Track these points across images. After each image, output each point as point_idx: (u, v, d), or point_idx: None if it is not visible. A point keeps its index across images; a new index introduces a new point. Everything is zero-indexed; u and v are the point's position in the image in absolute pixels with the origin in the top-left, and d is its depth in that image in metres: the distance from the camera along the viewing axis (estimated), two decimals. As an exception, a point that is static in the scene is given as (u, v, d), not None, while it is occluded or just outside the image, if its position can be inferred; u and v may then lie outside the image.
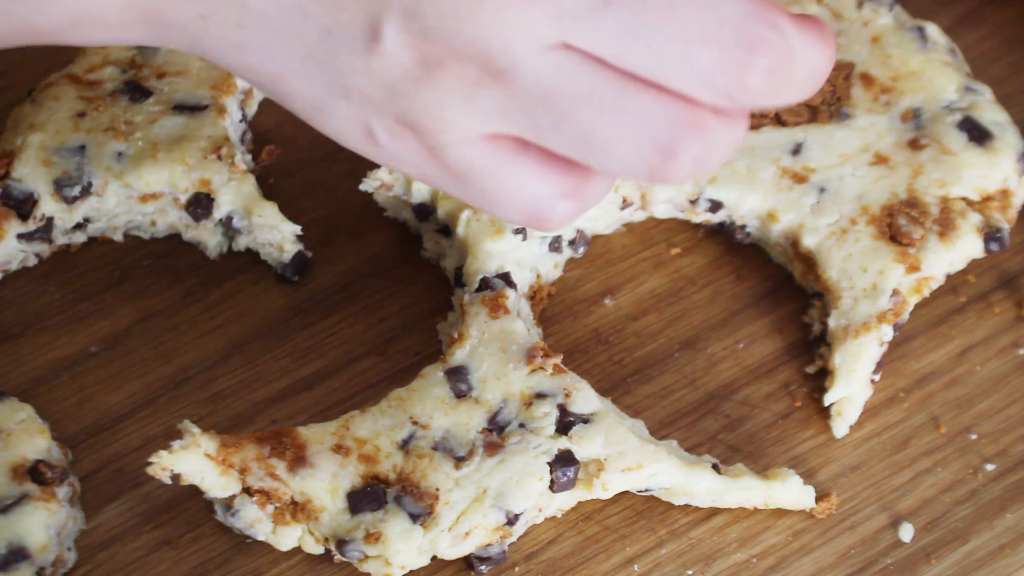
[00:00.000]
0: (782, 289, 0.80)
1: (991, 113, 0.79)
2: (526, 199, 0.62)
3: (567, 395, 0.72)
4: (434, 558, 0.70)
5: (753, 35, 0.57)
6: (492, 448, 0.70)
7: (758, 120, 0.79)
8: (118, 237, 0.80)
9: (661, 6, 0.57)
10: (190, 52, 0.63)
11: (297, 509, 0.70)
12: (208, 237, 0.79)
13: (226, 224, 0.79)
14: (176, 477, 0.68)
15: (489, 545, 0.70)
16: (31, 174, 0.77)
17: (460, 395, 0.72)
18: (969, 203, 0.78)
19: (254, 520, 0.70)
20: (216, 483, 0.69)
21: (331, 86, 0.61)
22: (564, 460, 0.70)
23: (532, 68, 0.58)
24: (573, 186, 0.61)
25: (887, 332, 0.75)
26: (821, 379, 0.76)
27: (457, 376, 0.72)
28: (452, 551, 0.70)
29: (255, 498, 0.69)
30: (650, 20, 0.57)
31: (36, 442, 0.71)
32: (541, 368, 0.72)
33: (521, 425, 0.71)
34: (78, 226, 0.79)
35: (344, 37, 0.60)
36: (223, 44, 0.62)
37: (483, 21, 0.58)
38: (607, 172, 0.60)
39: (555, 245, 0.78)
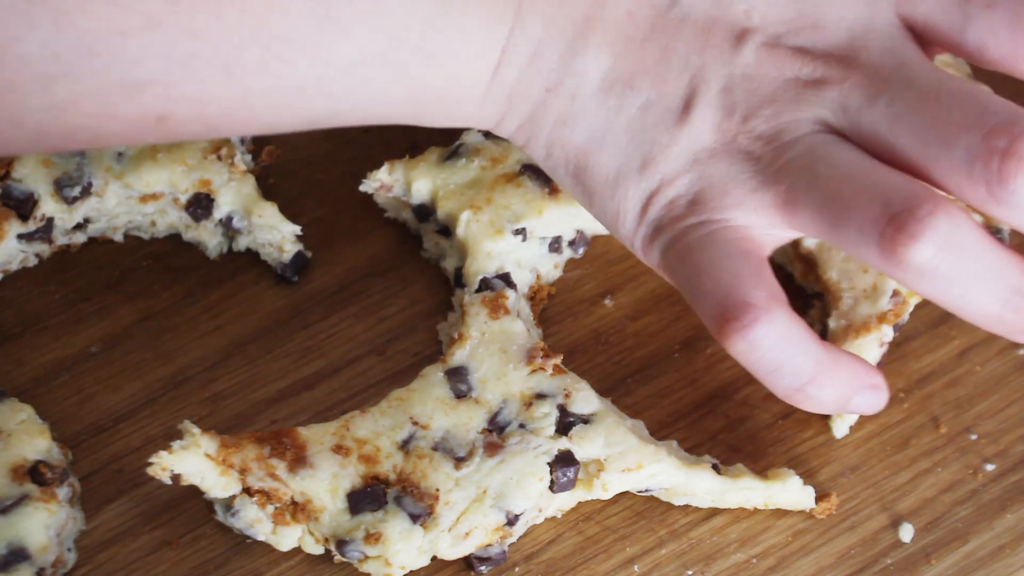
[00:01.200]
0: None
1: (991, 113, 0.79)
2: (734, 289, 0.64)
3: (567, 395, 0.72)
4: (434, 558, 0.70)
5: (1016, 127, 0.62)
6: (492, 448, 0.70)
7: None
8: (118, 237, 0.80)
9: (928, 95, 0.63)
10: (512, 133, 0.68)
11: (297, 509, 0.70)
12: (208, 237, 0.79)
13: (226, 224, 0.79)
14: (176, 477, 0.68)
15: (489, 545, 0.70)
16: (31, 174, 0.77)
17: (460, 395, 0.72)
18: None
19: (254, 520, 0.70)
20: (216, 483, 0.69)
21: (633, 157, 0.66)
22: (564, 460, 0.70)
23: (805, 144, 0.65)
24: (767, 295, 0.64)
25: (887, 333, 0.75)
26: (821, 379, 0.76)
27: (457, 376, 0.72)
28: (452, 551, 0.70)
29: (255, 498, 0.69)
30: (917, 106, 0.63)
31: (36, 443, 0.71)
32: (541, 368, 0.72)
33: (521, 425, 0.71)
34: (78, 226, 0.79)
35: (659, 109, 0.66)
36: (552, 117, 0.67)
37: (783, 107, 0.65)
38: (845, 243, 0.63)
39: (555, 246, 0.78)
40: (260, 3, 0.61)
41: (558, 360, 0.73)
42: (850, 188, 0.63)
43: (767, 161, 0.65)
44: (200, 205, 0.78)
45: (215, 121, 0.64)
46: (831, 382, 0.65)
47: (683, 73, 0.66)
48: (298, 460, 0.70)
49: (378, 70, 0.64)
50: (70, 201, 0.77)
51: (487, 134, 0.79)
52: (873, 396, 0.66)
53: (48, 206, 0.77)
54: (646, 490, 0.72)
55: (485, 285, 0.75)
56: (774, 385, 0.65)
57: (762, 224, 0.65)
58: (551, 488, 0.71)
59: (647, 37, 0.66)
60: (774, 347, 0.63)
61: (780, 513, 0.73)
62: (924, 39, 0.67)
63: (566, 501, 0.72)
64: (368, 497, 0.69)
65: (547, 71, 0.66)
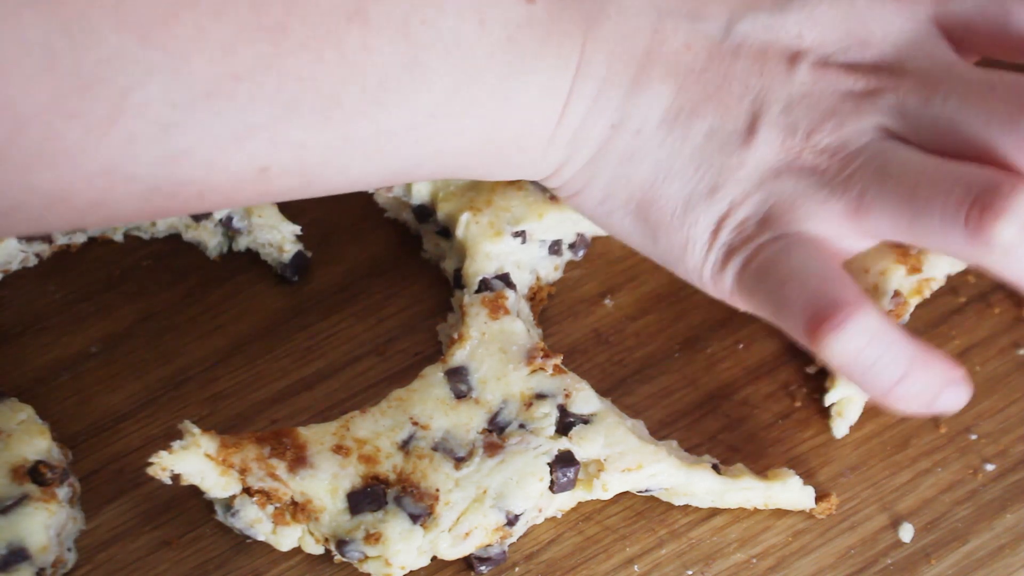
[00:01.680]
0: (782, 289, 0.80)
1: (991, 114, 0.79)
2: (824, 293, 0.65)
3: (567, 395, 0.72)
4: (434, 558, 0.70)
5: None
6: (492, 448, 0.70)
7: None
8: (118, 237, 0.80)
9: (983, 88, 0.65)
10: (568, 180, 0.69)
11: (297, 509, 0.70)
12: (208, 237, 0.79)
13: (226, 224, 0.79)
14: (176, 477, 0.68)
15: (489, 545, 0.70)
16: (31, 174, 0.77)
17: (460, 395, 0.72)
18: (969, 203, 0.78)
19: (254, 520, 0.70)
20: (216, 483, 0.69)
21: (700, 184, 0.68)
22: (564, 460, 0.70)
23: (870, 150, 0.66)
24: (856, 293, 0.65)
25: (888, 333, 0.75)
26: (821, 379, 0.76)
27: (457, 376, 0.72)
28: (452, 551, 0.70)
29: (255, 498, 0.69)
30: (974, 98, 0.65)
31: (36, 443, 0.71)
32: (541, 368, 0.72)
33: (521, 426, 0.71)
34: (78, 226, 0.79)
35: (724, 134, 0.67)
36: (617, 155, 0.68)
37: (844, 119, 0.67)
38: (928, 236, 0.65)
39: (555, 248, 0.78)
40: (356, 46, 0.62)
41: (558, 360, 0.73)
42: (927, 180, 0.64)
43: (834, 172, 0.66)
44: (200, 205, 0.78)
45: (312, 171, 0.64)
46: (923, 378, 0.65)
47: (743, 97, 0.67)
48: (298, 460, 0.70)
49: (459, 115, 0.65)
50: (70, 201, 0.77)
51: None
52: (958, 392, 0.67)
53: (48, 206, 0.77)
54: (646, 490, 0.72)
55: (484, 286, 0.75)
56: (870, 384, 0.65)
57: (833, 235, 0.67)
58: (551, 488, 0.71)
59: (705, 67, 0.68)
60: (869, 343, 0.64)
61: (780, 513, 0.73)
62: (963, 44, 0.69)
63: (566, 501, 0.72)
64: (368, 497, 0.69)
65: (611, 110, 0.67)
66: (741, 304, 0.69)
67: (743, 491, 0.72)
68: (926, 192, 0.64)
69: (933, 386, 0.66)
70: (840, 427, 0.75)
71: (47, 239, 0.78)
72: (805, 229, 0.66)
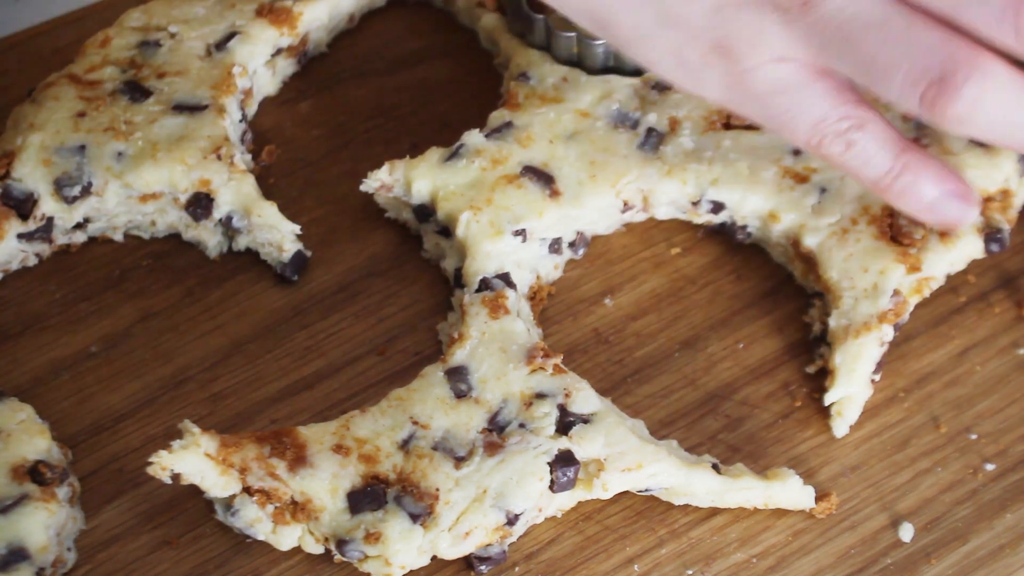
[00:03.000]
0: (782, 289, 0.80)
1: (991, 113, 0.79)
2: (815, 117, 0.69)
3: (567, 395, 0.72)
4: (434, 558, 0.70)
5: None
6: (492, 448, 0.70)
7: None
8: (118, 237, 0.80)
9: None
10: None
11: (297, 509, 0.70)
12: (208, 237, 0.79)
13: (226, 224, 0.79)
14: (176, 477, 0.68)
15: (489, 545, 0.70)
16: (31, 174, 0.77)
17: (460, 395, 0.72)
18: (969, 203, 0.78)
19: (254, 520, 0.70)
20: (216, 483, 0.69)
21: (657, 16, 0.69)
22: (564, 460, 0.70)
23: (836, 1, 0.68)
24: (857, 118, 0.69)
25: (887, 332, 0.75)
26: (821, 379, 0.76)
27: (457, 376, 0.72)
28: (452, 551, 0.70)
29: (255, 498, 0.69)
30: None
31: (36, 442, 0.71)
32: (541, 368, 0.72)
33: (521, 425, 0.71)
34: (78, 226, 0.79)
35: None
36: None
37: None
38: (886, 98, 0.68)
39: (555, 247, 0.78)
40: None
41: (558, 360, 0.73)
42: (887, 54, 0.66)
43: (796, 13, 0.67)
44: (200, 205, 0.78)
45: None
46: (923, 174, 0.70)
47: None
48: (298, 460, 0.70)
49: None
50: (70, 201, 0.77)
51: (488, 135, 0.79)
52: (960, 202, 0.71)
53: (48, 206, 0.77)
54: (646, 490, 0.72)
55: (485, 285, 0.75)
56: (864, 175, 0.70)
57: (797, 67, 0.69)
58: (551, 488, 0.70)
59: None
60: (877, 134, 0.70)
61: (780, 513, 0.73)
62: None
63: (566, 501, 0.72)
64: (368, 497, 0.69)
65: None
66: (721, 104, 0.71)
67: (743, 491, 0.72)
68: (885, 65, 0.66)
69: (934, 182, 0.70)
70: (840, 427, 0.75)
71: (47, 239, 0.79)
72: (770, 60, 0.68)
